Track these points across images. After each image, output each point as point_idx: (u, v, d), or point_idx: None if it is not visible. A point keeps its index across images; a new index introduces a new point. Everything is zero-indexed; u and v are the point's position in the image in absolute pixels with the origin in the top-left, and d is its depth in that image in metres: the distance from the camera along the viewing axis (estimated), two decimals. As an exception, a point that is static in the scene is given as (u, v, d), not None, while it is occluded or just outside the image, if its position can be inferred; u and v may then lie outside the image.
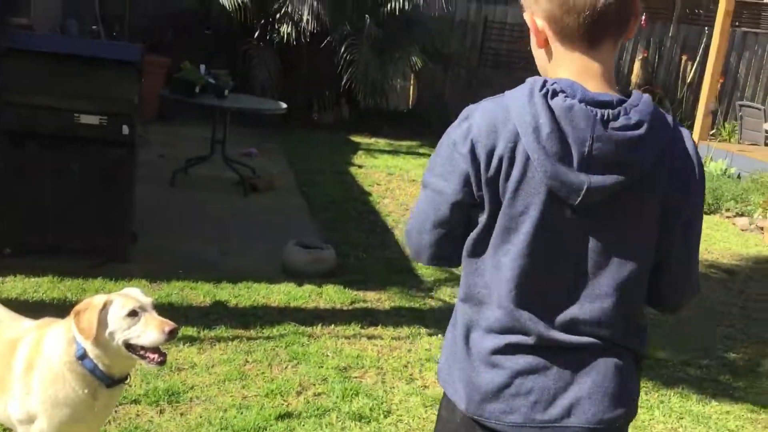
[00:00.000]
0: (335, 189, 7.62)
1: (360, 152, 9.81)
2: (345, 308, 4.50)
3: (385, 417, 3.30)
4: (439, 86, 12.44)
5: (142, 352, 2.18)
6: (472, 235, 1.49)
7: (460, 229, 1.50)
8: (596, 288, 1.45)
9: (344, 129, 11.19)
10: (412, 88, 12.70)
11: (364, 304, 4.59)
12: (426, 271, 5.37)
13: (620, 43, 1.50)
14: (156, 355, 2.19)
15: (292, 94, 10.30)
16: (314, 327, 4.15)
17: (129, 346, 2.18)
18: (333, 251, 5.19)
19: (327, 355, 3.81)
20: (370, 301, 4.65)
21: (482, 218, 1.46)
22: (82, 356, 2.20)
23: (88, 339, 2.17)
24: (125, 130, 4.69)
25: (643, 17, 12.84)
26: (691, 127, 10.56)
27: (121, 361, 2.22)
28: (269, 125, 10.41)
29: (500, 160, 1.40)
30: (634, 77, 13.04)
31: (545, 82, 1.41)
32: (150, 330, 2.16)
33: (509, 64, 12.92)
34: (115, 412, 3.05)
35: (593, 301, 1.45)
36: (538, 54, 1.52)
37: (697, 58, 12.87)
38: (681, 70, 13.20)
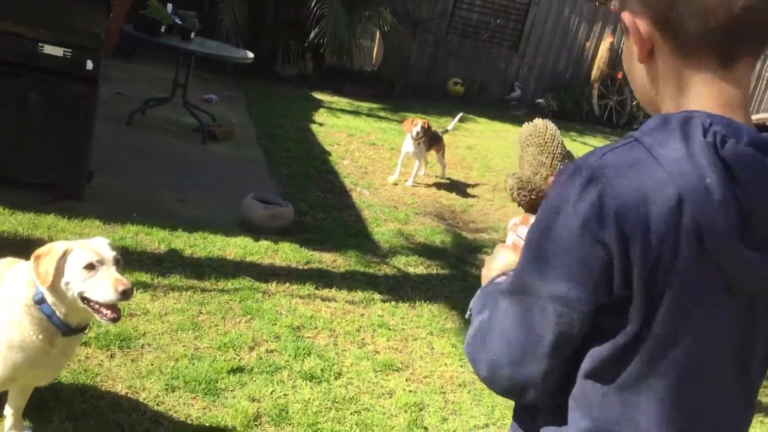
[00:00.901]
0: (295, 145, 7.55)
1: (321, 110, 9.72)
2: (300, 267, 4.51)
3: (336, 378, 3.34)
4: (405, 50, 12.35)
5: (96, 306, 2.15)
6: (601, 351, 1.06)
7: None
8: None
9: (307, 84, 11.06)
10: (377, 49, 12.59)
11: (319, 265, 4.61)
12: (382, 237, 5.41)
13: (756, 65, 1.10)
14: (109, 312, 2.14)
15: (257, 43, 10.12)
16: (269, 284, 4.15)
17: (84, 299, 2.15)
18: (291, 209, 5.17)
19: (281, 313, 3.83)
20: (325, 263, 4.67)
21: (627, 328, 1.03)
22: (40, 301, 2.17)
23: (44, 285, 2.13)
24: (89, 65, 4.55)
25: (613, 2, 12.96)
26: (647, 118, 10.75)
27: (77, 311, 2.19)
28: (230, 73, 10.22)
29: (660, 242, 0.97)
30: (598, 61, 13.19)
31: (701, 120, 0.99)
32: (104, 286, 2.12)
33: (477, 34, 12.93)
34: (65, 353, 3.02)
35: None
36: (638, 71, 1.11)
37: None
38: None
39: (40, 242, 3.87)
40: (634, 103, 13.29)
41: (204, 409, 2.90)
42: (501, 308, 1.12)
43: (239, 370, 3.22)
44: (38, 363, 2.23)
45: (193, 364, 3.17)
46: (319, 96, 10.60)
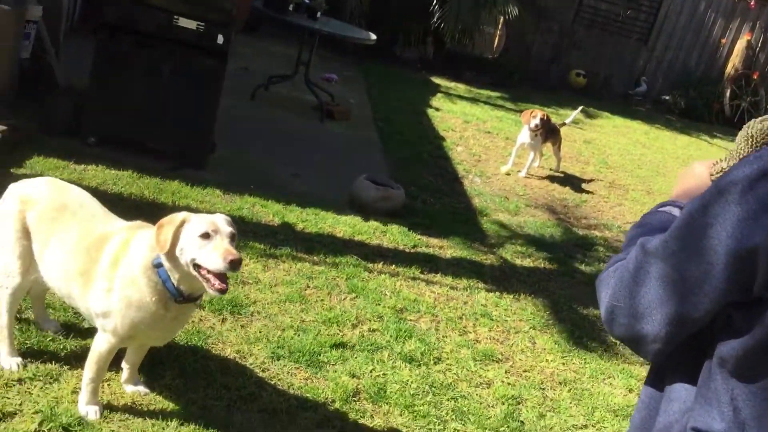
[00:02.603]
0: (410, 129, 7.58)
1: (439, 95, 9.70)
2: (407, 250, 4.54)
3: (435, 363, 3.35)
4: (528, 38, 12.10)
5: (206, 275, 2.23)
6: (731, 347, 1.10)
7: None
8: None
9: (425, 68, 11.06)
10: (499, 36, 12.40)
11: (426, 249, 4.62)
12: (490, 227, 5.36)
13: None
14: (218, 282, 2.21)
15: (379, 25, 10.17)
16: (375, 264, 4.20)
17: (196, 266, 2.23)
18: (402, 191, 5.20)
19: (385, 294, 3.87)
20: (432, 247, 4.68)
21: (757, 329, 1.06)
22: (158, 265, 2.29)
23: (161, 251, 2.24)
24: (220, 39, 4.72)
25: (754, -2, 12.22)
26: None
27: (189, 279, 2.28)
28: (350, 53, 10.37)
29: None
30: (733, 59, 12.50)
31: None
32: (215, 255, 2.20)
33: (605, 26, 12.52)
34: (180, 313, 3.18)
35: None
36: None
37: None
38: (784, 59, 12.61)
39: (164, 206, 4.09)
40: (769, 105, 12.54)
41: (306, 379, 2.98)
42: (639, 260, 1.16)
43: (341, 345, 3.28)
44: (153, 324, 2.35)
45: (299, 335, 3.26)
46: (437, 80, 10.57)
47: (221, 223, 2.28)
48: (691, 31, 12.60)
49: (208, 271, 2.22)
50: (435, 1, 10.55)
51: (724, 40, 12.59)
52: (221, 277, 2.22)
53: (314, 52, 7.26)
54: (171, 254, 2.25)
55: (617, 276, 1.21)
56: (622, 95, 12.57)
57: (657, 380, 1.27)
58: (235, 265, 2.20)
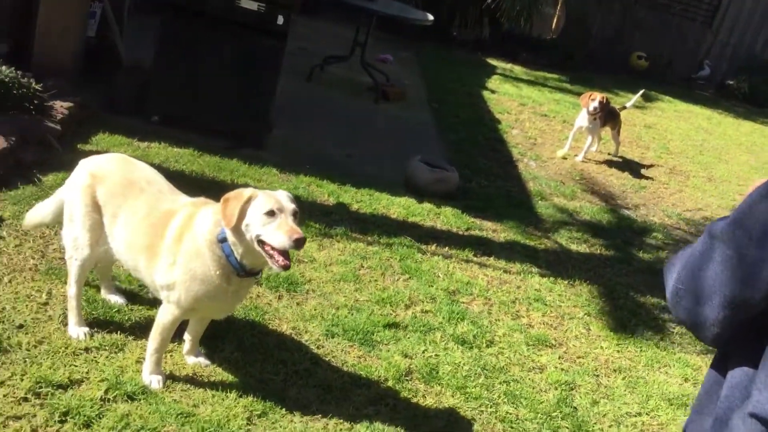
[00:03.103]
0: (465, 111, 7.54)
1: (495, 76, 9.61)
2: (460, 233, 4.54)
3: (488, 347, 3.36)
4: (589, 19, 11.86)
5: (270, 251, 2.28)
6: None
7: None
8: None
9: (481, 49, 10.95)
10: (558, 16, 12.18)
11: (479, 232, 4.62)
12: (545, 211, 5.32)
13: None
14: (281, 258, 2.26)
15: (436, 5, 10.09)
16: (429, 245, 4.22)
17: (260, 242, 2.29)
18: (456, 174, 5.20)
19: (438, 276, 3.89)
20: (486, 230, 4.67)
21: None
22: (222, 240, 2.36)
23: (228, 226, 2.31)
24: (280, 20, 4.77)
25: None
26: None
27: (252, 254, 2.34)
28: (406, 34, 10.32)
29: None
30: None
31: None
32: (280, 233, 2.25)
33: (668, 6, 12.19)
34: (238, 290, 3.25)
35: None
36: None
37: None
38: None
39: (223, 184, 4.17)
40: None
41: (359, 357, 3.02)
42: (705, 243, 1.19)
43: (394, 325, 3.32)
44: (214, 297, 2.42)
45: (352, 314, 3.31)
46: (493, 62, 10.47)
47: (285, 200, 2.33)
48: (759, 14, 12.18)
49: (273, 248, 2.27)
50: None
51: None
52: (285, 254, 2.28)
53: (371, 33, 7.26)
54: (236, 229, 2.31)
55: (684, 259, 1.25)
56: (684, 79, 12.26)
57: (720, 365, 1.28)
58: (299, 243, 2.26)
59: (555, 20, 12.18)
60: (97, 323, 2.79)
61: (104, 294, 2.95)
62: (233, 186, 4.15)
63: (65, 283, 2.82)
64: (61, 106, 4.33)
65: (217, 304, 2.49)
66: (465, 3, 11.10)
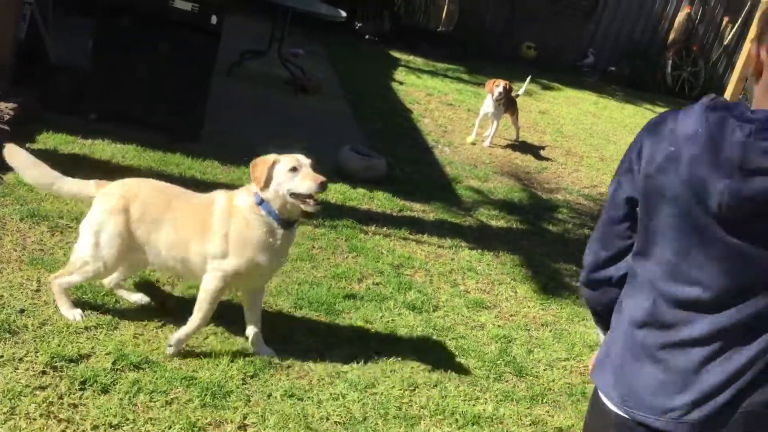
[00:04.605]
0: (379, 102, 7.96)
1: (400, 68, 10.07)
2: (395, 214, 4.96)
3: (434, 311, 3.80)
4: (481, 11, 12.50)
5: (302, 199, 2.78)
6: None
7: None
8: None
9: (384, 42, 11.39)
10: (447, 9, 12.77)
11: (411, 213, 5.05)
12: (464, 192, 5.81)
13: None
14: (312, 202, 2.80)
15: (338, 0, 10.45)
16: (369, 226, 4.61)
17: (292, 194, 2.78)
18: (384, 161, 5.61)
19: (382, 252, 4.29)
20: (416, 211, 5.11)
21: None
22: (260, 202, 2.84)
23: (258, 186, 2.80)
24: (214, 19, 5.01)
25: (694, -27, 12.85)
26: (721, 91, 10.82)
27: (287, 207, 2.83)
28: (313, 27, 10.62)
29: None
30: (674, 32, 13.18)
31: None
32: (306, 181, 2.78)
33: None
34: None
35: None
36: (751, 80, 1.56)
37: (738, 21, 12.99)
38: (721, 31, 13.34)
39: (172, 176, 4.40)
40: (708, 76, 13.27)
41: (327, 325, 3.39)
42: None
43: (352, 296, 3.70)
44: (264, 254, 2.85)
45: (314, 288, 3.66)
46: (396, 54, 10.93)
47: (301, 157, 2.88)
48: (635, 4, 13.22)
49: (304, 196, 2.77)
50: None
51: (665, 12, 13.24)
52: (314, 198, 2.78)
53: (287, 29, 7.55)
54: (267, 188, 2.79)
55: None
56: (571, 67, 13.13)
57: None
58: (323, 185, 2.79)
59: (445, 13, 12.81)
60: (88, 305, 3.02)
61: (119, 291, 3.19)
62: (183, 179, 4.42)
63: (50, 271, 3.04)
64: (6, 107, 4.43)
65: (266, 260, 2.87)
66: (362, -2, 11.49)
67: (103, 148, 4.64)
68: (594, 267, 1.74)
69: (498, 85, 7.10)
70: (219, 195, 2.96)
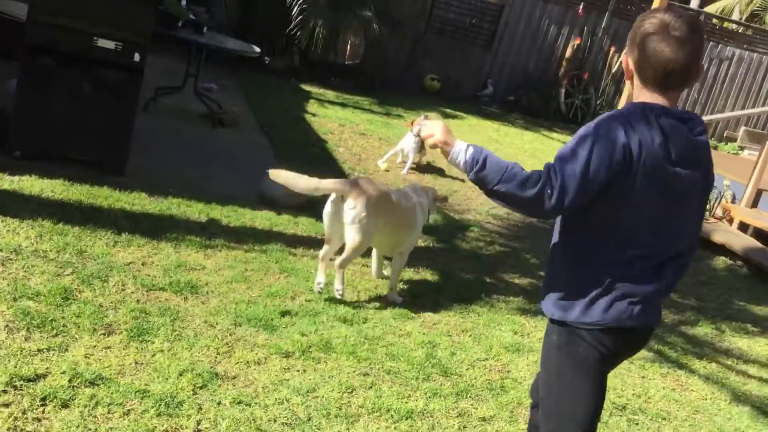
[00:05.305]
0: (294, 133, 8.25)
1: (312, 101, 10.41)
2: (320, 237, 5.21)
3: (364, 322, 4.09)
4: (385, 46, 13.00)
5: None
6: None
7: None
8: None
9: (294, 76, 11.72)
10: (351, 44, 13.26)
11: (334, 235, 5.33)
12: (382, 215, 6.15)
13: (684, 89, 2.28)
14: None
15: (246, 36, 10.70)
16: (296, 249, 4.87)
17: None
18: (305, 188, 5.87)
19: (311, 272, 4.54)
20: (339, 234, 5.40)
21: None
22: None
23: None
24: (136, 57, 5.20)
25: (581, 7, 13.85)
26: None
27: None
28: (223, 63, 10.83)
29: None
30: (566, 62, 14.09)
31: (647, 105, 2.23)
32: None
33: (453, 33, 13.73)
34: (146, 295, 3.72)
35: None
36: (628, 83, 2.29)
37: (624, 50, 14.03)
38: (608, 60, 14.35)
39: (101, 209, 4.55)
40: (598, 102, 14.23)
41: (267, 339, 3.62)
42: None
43: (287, 313, 3.94)
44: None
45: (251, 307, 3.89)
46: (306, 88, 11.28)
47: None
48: (529, 37, 14.08)
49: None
50: (293, 13, 11.24)
51: (556, 45, 14.15)
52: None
53: (202, 65, 7.75)
54: None
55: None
56: (471, 97, 13.82)
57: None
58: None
59: (349, 47, 13.28)
60: (37, 329, 3.16)
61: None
62: (111, 212, 4.58)
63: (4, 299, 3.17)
64: (-69, 146, 4.47)
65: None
66: (272, 33, 11.81)
67: (31, 184, 4.73)
68: None
69: (418, 124, 7.52)
70: (414, 199, 4.67)
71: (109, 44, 5.12)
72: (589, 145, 2.12)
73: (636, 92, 2.24)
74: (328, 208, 4.25)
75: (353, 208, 4.14)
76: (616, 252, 2.22)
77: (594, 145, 2.12)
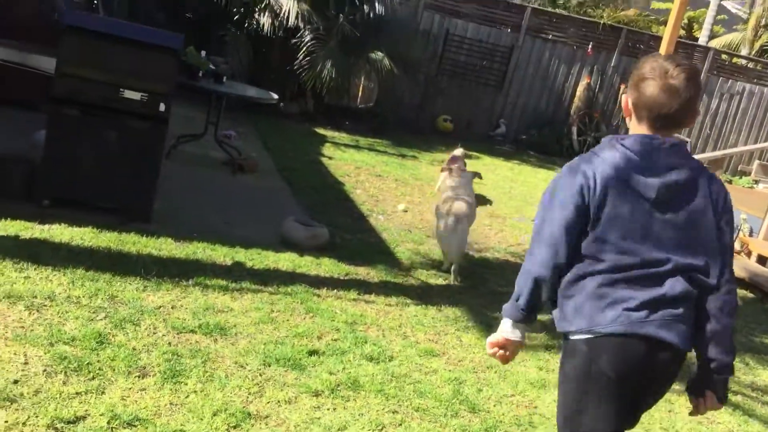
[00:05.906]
0: (312, 176, 8.39)
1: (327, 144, 10.58)
2: (342, 278, 5.31)
3: (390, 360, 4.13)
4: (398, 89, 13.20)
5: None
6: None
7: None
8: None
9: (308, 121, 11.93)
10: (363, 87, 13.50)
11: (357, 276, 5.41)
12: (403, 255, 6.23)
13: (679, 130, 2.44)
14: None
15: (260, 82, 10.92)
16: (320, 290, 4.94)
17: None
18: (326, 230, 5.98)
19: (336, 312, 4.61)
20: (361, 275, 5.47)
21: None
22: None
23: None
24: (162, 107, 5.36)
25: (590, 46, 14.05)
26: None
27: None
28: (240, 110, 11.06)
29: None
30: (576, 100, 14.25)
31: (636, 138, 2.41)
32: None
33: (464, 75, 13.94)
34: (177, 338, 3.79)
35: None
36: (627, 119, 2.46)
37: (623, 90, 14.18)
38: (619, 96, 14.49)
39: (129, 255, 4.66)
40: (610, 138, 14.31)
41: (296, 378, 3.67)
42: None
43: (315, 352, 4.00)
44: None
45: (279, 347, 3.95)
46: (321, 131, 11.46)
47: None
48: (539, 77, 14.27)
49: None
50: (302, 59, 11.47)
51: (566, 84, 14.33)
52: None
53: (221, 113, 7.94)
54: None
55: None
56: (484, 137, 13.97)
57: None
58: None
59: (361, 91, 13.52)
60: (74, 370, 3.23)
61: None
62: (140, 257, 4.68)
63: (34, 346, 3.26)
64: (-36, 197, 4.61)
65: None
66: (287, 79, 12.04)
67: (61, 232, 4.85)
68: None
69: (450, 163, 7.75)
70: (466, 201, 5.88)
71: (135, 95, 5.28)
72: (551, 209, 2.37)
73: (632, 129, 2.42)
74: None
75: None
76: (608, 259, 2.32)
77: (555, 208, 2.36)
